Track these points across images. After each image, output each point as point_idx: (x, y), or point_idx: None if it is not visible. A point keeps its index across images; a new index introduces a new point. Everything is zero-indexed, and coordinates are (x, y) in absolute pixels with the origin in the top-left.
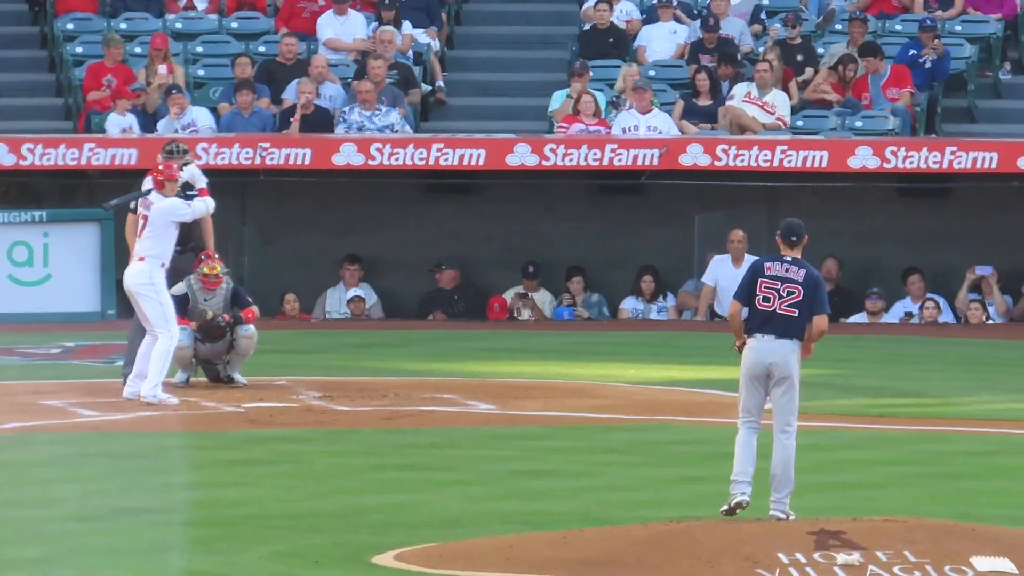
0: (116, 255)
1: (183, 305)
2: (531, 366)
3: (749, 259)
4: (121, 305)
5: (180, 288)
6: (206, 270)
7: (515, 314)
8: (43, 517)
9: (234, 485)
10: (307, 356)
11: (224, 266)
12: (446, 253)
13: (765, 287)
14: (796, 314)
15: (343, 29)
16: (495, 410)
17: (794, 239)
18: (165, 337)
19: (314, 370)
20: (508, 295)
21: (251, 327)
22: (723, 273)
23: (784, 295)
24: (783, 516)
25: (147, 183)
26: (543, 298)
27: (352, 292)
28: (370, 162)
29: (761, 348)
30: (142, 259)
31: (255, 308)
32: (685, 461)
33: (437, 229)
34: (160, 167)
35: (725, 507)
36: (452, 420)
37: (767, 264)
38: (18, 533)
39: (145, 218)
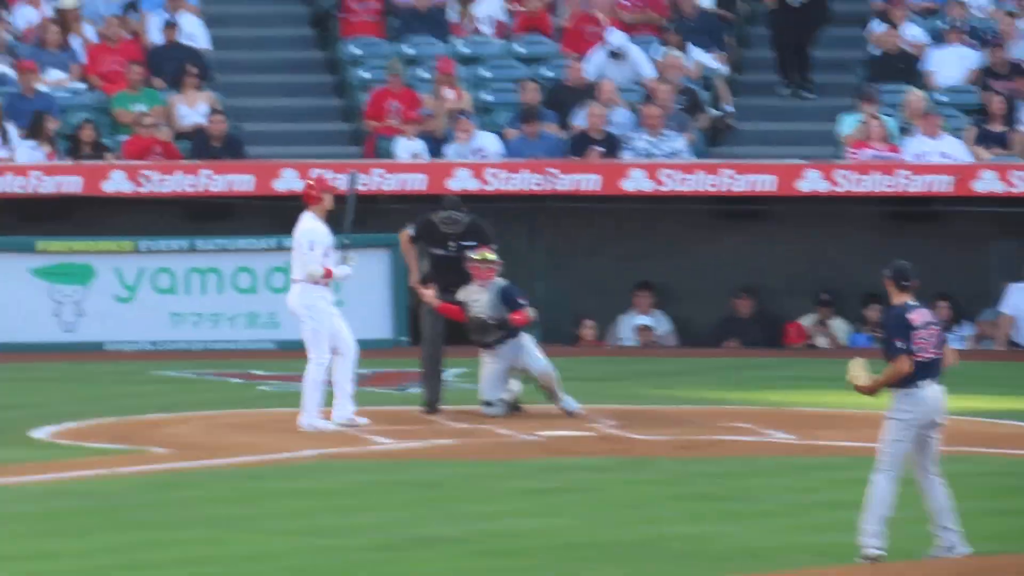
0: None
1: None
2: (828, 395)
3: None
4: (413, 332)
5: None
6: (476, 257)
7: (811, 341)
8: (340, 546)
9: (533, 514)
10: (601, 384)
11: (496, 255)
12: (737, 280)
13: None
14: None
15: (618, 70)
16: (794, 440)
17: (904, 283)
18: (313, 363)
19: (609, 398)
20: (804, 321)
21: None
22: (1022, 302)
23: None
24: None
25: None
26: (838, 326)
27: (640, 320)
28: (659, 188)
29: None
30: (295, 281)
31: (527, 310)
32: (990, 493)
33: (727, 256)
34: (314, 179)
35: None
36: (750, 450)
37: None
38: (315, 563)
39: None
